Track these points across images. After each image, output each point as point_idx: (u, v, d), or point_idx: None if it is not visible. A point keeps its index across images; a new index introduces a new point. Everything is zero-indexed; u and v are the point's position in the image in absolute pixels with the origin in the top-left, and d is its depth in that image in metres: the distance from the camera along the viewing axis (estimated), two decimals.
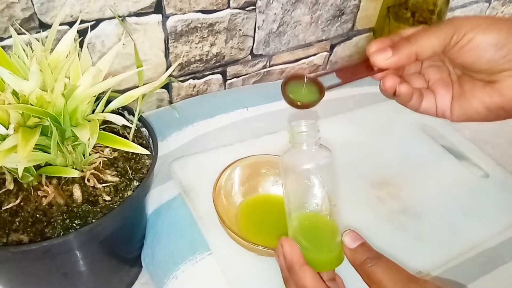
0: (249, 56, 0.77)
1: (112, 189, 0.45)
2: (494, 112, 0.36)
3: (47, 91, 0.38)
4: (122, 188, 0.45)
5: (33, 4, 0.52)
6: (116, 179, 0.46)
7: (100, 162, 0.46)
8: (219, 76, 0.76)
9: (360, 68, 0.39)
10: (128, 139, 0.47)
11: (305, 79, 0.40)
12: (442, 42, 0.35)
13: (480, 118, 0.37)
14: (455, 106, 0.39)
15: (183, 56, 0.69)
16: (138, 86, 0.46)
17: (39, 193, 0.42)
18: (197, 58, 0.71)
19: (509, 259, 0.51)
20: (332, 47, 0.87)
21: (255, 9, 0.71)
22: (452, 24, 0.34)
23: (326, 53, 0.87)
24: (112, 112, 0.44)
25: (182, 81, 0.72)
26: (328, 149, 0.40)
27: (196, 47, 0.69)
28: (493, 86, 0.36)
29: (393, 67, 0.37)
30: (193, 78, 0.73)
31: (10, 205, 0.42)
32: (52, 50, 0.43)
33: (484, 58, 0.34)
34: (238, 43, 0.73)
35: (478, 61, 0.35)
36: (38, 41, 0.42)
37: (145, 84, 0.45)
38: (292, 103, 0.39)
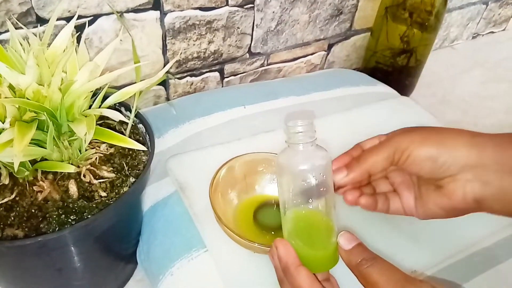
0: (247, 54, 0.77)
1: (108, 185, 0.45)
2: (450, 212, 0.39)
3: (43, 86, 0.38)
4: (118, 184, 0.45)
5: None
6: (112, 175, 0.46)
7: (96, 157, 0.46)
8: (216, 74, 0.76)
9: None
10: (124, 135, 0.47)
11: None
12: (386, 160, 0.39)
13: (441, 216, 0.40)
14: (418, 206, 0.42)
15: (181, 53, 0.69)
16: (135, 82, 0.46)
17: (35, 188, 0.42)
18: (195, 55, 0.71)
19: (504, 259, 0.51)
20: (330, 46, 0.87)
21: (253, 7, 0.71)
22: (393, 142, 0.39)
23: (324, 52, 0.87)
24: (109, 107, 0.44)
25: (180, 78, 0.72)
26: (325, 149, 0.40)
27: (194, 44, 0.69)
28: (441, 190, 0.38)
29: (350, 184, 0.41)
30: (191, 76, 0.73)
31: (5, 199, 0.41)
32: (49, 45, 0.43)
33: (425, 170, 0.38)
34: (236, 41, 0.73)
35: (421, 172, 0.39)
36: (36, 35, 0.41)
37: (142, 80, 0.45)
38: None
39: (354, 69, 0.91)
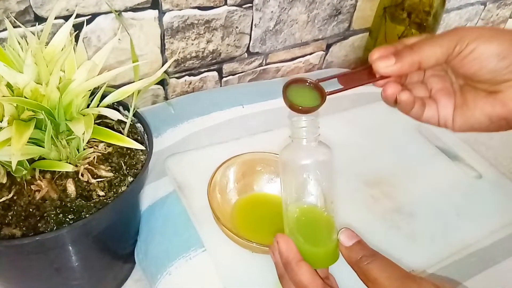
0: (246, 53, 0.77)
1: (106, 184, 0.44)
2: (496, 122, 0.36)
3: (42, 84, 0.38)
4: (116, 184, 0.45)
5: None
6: (110, 174, 0.45)
7: (94, 157, 0.46)
8: (215, 73, 0.76)
9: (362, 74, 0.39)
10: (123, 134, 0.47)
11: (307, 84, 0.40)
12: (445, 52, 0.35)
13: (481, 128, 0.37)
14: (457, 115, 0.39)
15: (179, 53, 0.69)
16: (133, 82, 0.46)
17: (33, 187, 0.42)
18: (193, 54, 0.70)
19: (501, 259, 0.51)
20: (328, 46, 0.87)
21: (252, 6, 0.71)
22: (456, 34, 0.34)
23: (322, 52, 0.87)
24: (107, 107, 0.44)
25: (178, 78, 0.72)
26: (327, 146, 0.40)
27: (192, 44, 0.69)
28: (495, 96, 0.36)
29: (396, 75, 0.37)
30: (189, 75, 0.73)
31: (3, 199, 0.41)
32: (47, 43, 0.43)
33: (487, 68, 0.34)
34: (234, 40, 0.73)
35: (480, 71, 0.35)
36: (34, 34, 0.41)
37: (141, 79, 0.45)
38: (292, 107, 0.39)
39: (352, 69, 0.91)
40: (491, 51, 0.34)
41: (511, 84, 0.34)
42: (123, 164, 0.47)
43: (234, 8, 0.69)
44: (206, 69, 0.74)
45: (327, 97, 0.40)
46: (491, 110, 0.36)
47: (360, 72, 0.39)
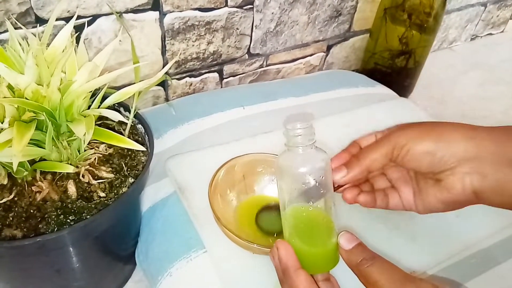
0: (246, 55, 0.77)
1: (107, 185, 0.45)
2: (449, 205, 0.40)
3: (43, 86, 0.38)
4: (117, 185, 0.45)
5: None
6: (111, 175, 0.45)
7: (95, 158, 0.46)
8: (215, 74, 0.76)
9: None
10: (123, 135, 0.47)
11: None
12: (385, 157, 0.40)
13: (440, 210, 0.41)
14: (417, 201, 0.42)
15: (180, 54, 0.69)
16: (134, 83, 0.46)
17: (33, 188, 0.42)
18: (194, 56, 0.71)
19: (502, 260, 0.51)
20: (329, 47, 0.87)
21: (252, 8, 0.71)
22: (390, 140, 0.40)
23: (322, 53, 0.87)
24: (108, 108, 0.44)
25: (179, 79, 0.72)
26: (324, 151, 0.40)
27: (193, 45, 0.69)
28: (440, 184, 0.39)
29: (350, 183, 0.42)
30: (190, 76, 0.73)
31: (4, 200, 0.41)
32: (48, 45, 0.43)
33: (424, 164, 0.39)
34: (235, 41, 0.73)
35: (420, 167, 0.39)
36: (35, 35, 0.41)
37: (141, 81, 0.45)
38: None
39: (353, 71, 0.91)
40: (422, 150, 0.38)
41: (449, 173, 0.38)
42: (124, 165, 0.47)
43: (235, 9, 0.69)
44: (206, 71, 0.74)
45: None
46: (441, 196, 0.39)
47: None
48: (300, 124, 0.40)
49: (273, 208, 0.48)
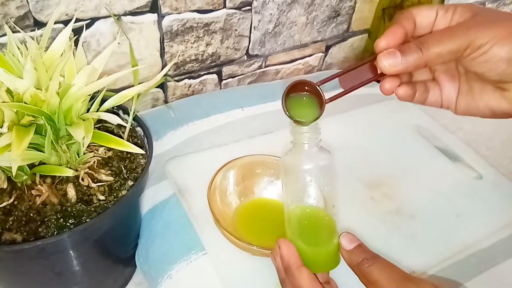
0: (245, 56, 0.77)
1: (106, 188, 0.45)
2: (498, 115, 0.36)
3: (41, 90, 0.38)
4: (117, 188, 0.45)
5: (28, 2, 0.52)
6: (111, 178, 0.46)
7: (94, 161, 0.46)
8: (214, 76, 0.76)
9: (363, 71, 0.38)
10: (123, 138, 0.47)
11: (305, 92, 0.39)
12: (454, 54, 0.33)
13: (483, 116, 0.37)
14: (461, 101, 0.38)
15: (179, 56, 0.69)
16: (133, 86, 0.46)
17: (33, 192, 0.42)
18: (193, 57, 0.71)
19: (502, 260, 0.51)
20: (328, 48, 0.87)
21: (251, 9, 0.71)
22: (467, 33, 0.33)
23: (321, 54, 0.87)
24: (107, 111, 0.44)
25: (178, 81, 0.72)
26: (328, 151, 0.40)
27: (191, 47, 0.69)
28: (503, 93, 0.35)
29: (399, 73, 0.36)
30: (189, 78, 0.73)
31: (4, 204, 0.41)
32: (47, 48, 0.43)
33: (496, 71, 0.34)
34: (233, 43, 0.73)
35: (489, 73, 0.34)
36: (33, 39, 0.41)
37: (140, 83, 0.45)
38: (292, 119, 0.39)
39: None
40: (503, 55, 0.32)
41: None
42: (123, 168, 0.47)
43: (233, 11, 0.69)
44: (205, 72, 0.74)
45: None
46: (496, 105, 0.36)
47: (361, 68, 0.38)
48: None
49: (301, 89, 0.41)
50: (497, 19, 0.33)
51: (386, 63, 0.34)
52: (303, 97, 0.39)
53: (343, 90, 0.39)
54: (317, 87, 0.38)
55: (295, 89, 0.39)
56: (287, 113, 0.38)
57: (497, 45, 0.32)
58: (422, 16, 0.36)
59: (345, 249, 0.37)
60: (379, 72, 0.36)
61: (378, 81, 0.38)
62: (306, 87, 0.39)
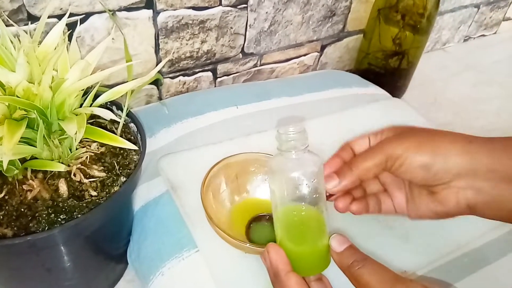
0: (240, 54, 0.77)
1: (98, 184, 0.44)
2: (442, 216, 0.39)
3: (34, 84, 0.38)
4: (109, 184, 0.45)
5: None
6: (103, 174, 0.45)
7: (87, 157, 0.45)
8: (209, 73, 0.76)
9: None
10: (116, 134, 0.46)
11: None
12: (379, 167, 0.39)
13: (432, 218, 0.40)
14: (410, 208, 0.42)
15: (174, 53, 0.68)
16: (127, 81, 0.46)
17: (24, 187, 0.42)
18: (188, 55, 0.70)
19: (493, 260, 0.51)
20: (323, 47, 0.87)
21: (246, 7, 0.71)
22: (384, 150, 0.38)
23: (316, 53, 0.87)
24: (100, 106, 0.44)
25: (172, 78, 0.72)
26: (316, 155, 0.40)
27: (186, 44, 0.69)
28: (434, 196, 0.38)
29: (342, 191, 0.41)
30: (183, 75, 0.73)
31: None
32: (40, 42, 0.42)
33: (418, 178, 0.38)
34: (229, 41, 0.73)
35: (414, 179, 0.38)
36: (26, 33, 0.41)
37: (134, 79, 0.45)
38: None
39: (346, 71, 0.91)
40: (417, 164, 0.37)
41: (444, 187, 0.37)
42: (116, 164, 0.47)
43: (229, 8, 0.69)
44: (200, 70, 0.74)
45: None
46: (434, 208, 0.39)
47: None
48: (293, 128, 0.39)
49: (264, 219, 0.48)
50: (411, 134, 0.39)
51: (328, 185, 0.40)
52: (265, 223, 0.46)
53: None
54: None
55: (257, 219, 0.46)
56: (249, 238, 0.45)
57: (410, 157, 0.37)
58: (358, 145, 0.42)
59: (335, 251, 0.37)
60: (328, 194, 0.41)
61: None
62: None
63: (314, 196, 0.39)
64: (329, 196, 0.41)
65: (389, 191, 0.43)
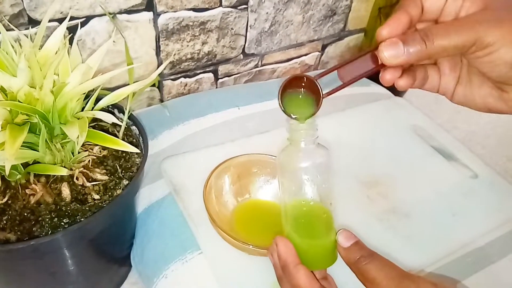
0: (241, 55, 0.76)
1: (101, 187, 0.44)
2: (493, 111, 0.36)
3: (35, 88, 0.38)
4: (112, 187, 0.45)
5: (22, 0, 0.51)
6: (106, 177, 0.45)
7: (89, 160, 0.45)
8: (210, 75, 0.76)
9: (363, 62, 0.36)
10: (118, 137, 0.46)
11: (302, 87, 0.38)
12: (459, 49, 0.32)
13: (478, 110, 0.37)
14: (459, 91, 0.37)
15: (175, 54, 0.68)
16: (128, 84, 0.46)
17: (27, 191, 0.42)
18: (189, 56, 0.70)
19: (497, 259, 0.51)
20: (324, 47, 0.87)
21: (247, 8, 0.71)
22: (475, 29, 0.31)
23: (317, 53, 0.87)
24: (102, 110, 0.44)
25: (174, 80, 0.72)
26: (326, 148, 0.40)
27: (187, 46, 0.69)
28: (501, 94, 0.34)
29: (401, 65, 0.34)
30: (185, 77, 0.73)
31: None
32: (41, 46, 0.42)
33: (499, 73, 0.32)
34: (230, 42, 0.73)
35: (491, 73, 0.33)
36: (27, 37, 0.41)
37: (136, 82, 0.45)
38: (289, 116, 0.38)
39: None
40: (506, 59, 0.31)
41: None
42: (118, 167, 0.47)
43: (229, 9, 0.69)
44: (201, 71, 0.74)
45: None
46: (493, 103, 0.35)
47: (361, 60, 0.36)
48: None
49: (298, 86, 0.39)
50: (509, 17, 0.31)
51: (387, 54, 0.32)
52: (299, 93, 0.38)
53: (342, 83, 0.37)
54: (315, 81, 0.37)
55: (291, 85, 0.37)
56: (283, 109, 0.38)
57: (504, 48, 0.31)
58: (431, 0, 0.34)
59: (342, 246, 0.37)
60: (379, 62, 0.34)
61: (378, 72, 0.36)
62: (303, 82, 0.37)
63: (323, 187, 0.39)
64: (379, 66, 0.35)
65: (440, 67, 0.38)
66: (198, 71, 0.74)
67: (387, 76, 0.35)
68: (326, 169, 0.39)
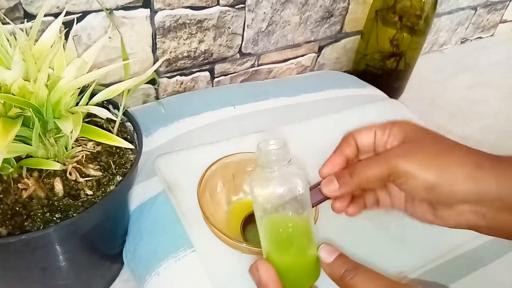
0: (238, 54, 0.76)
1: (94, 183, 0.44)
2: (435, 224, 0.39)
3: (30, 81, 0.38)
4: (105, 183, 0.44)
5: None
6: (99, 173, 0.45)
7: (83, 155, 0.45)
8: (206, 73, 0.76)
9: (314, 195, 0.39)
10: (112, 133, 0.46)
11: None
12: (381, 180, 0.36)
13: (424, 222, 0.39)
14: (408, 209, 0.40)
15: (171, 52, 0.68)
16: (123, 80, 0.45)
17: (19, 185, 0.41)
18: (185, 54, 0.70)
19: (489, 261, 0.51)
20: (321, 48, 0.87)
21: (244, 7, 0.71)
22: (388, 163, 0.36)
23: (314, 54, 0.87)
24: (97, 105, 0.44)
25: (169, 77, 0.72)
26: (299, 168, 0.38)
27: (184, 43, 0.69)
28: (434, 211, 0.37)
29: (340, 197, 0.39)
30: (181, 75, 0.73)
31: None
32: (36, 41, 0.42)
33: (420, 196, 0.36)
34: (226, 41, 0.73)
35: (416, 196, 0.38)
36: (23, 31, 0.41)
37: (131, 78, 0.45)
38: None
39: (344, 72, 0.91)
40: (421, 184, 0.35)
41: (446, 207, 0.36)
42: (112, 163, 0.46)
43: (227, 8, 0.69)
44: (197, 69, 0.74)
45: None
46: (432, 219, 0.38)
47: (313, 191, 0.39)
48: (274, 142, 0.37)
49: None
50: (418, 149, 0.36)
51: (326, 189, 0.38)
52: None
53: None
54: None
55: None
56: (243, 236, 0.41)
57: (415, 175, 0.34)
58: (362, 138, 0.40)
59: (325, 262, 0.36)
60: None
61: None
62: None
63: (300, 210, 0.37)
64: (326, 198, 0.40)
65: (389, 190, 0.41)
66: (194, 70, 0.74)
67: (336, 205, 0.40)
68: (303, 190, 0.37)
